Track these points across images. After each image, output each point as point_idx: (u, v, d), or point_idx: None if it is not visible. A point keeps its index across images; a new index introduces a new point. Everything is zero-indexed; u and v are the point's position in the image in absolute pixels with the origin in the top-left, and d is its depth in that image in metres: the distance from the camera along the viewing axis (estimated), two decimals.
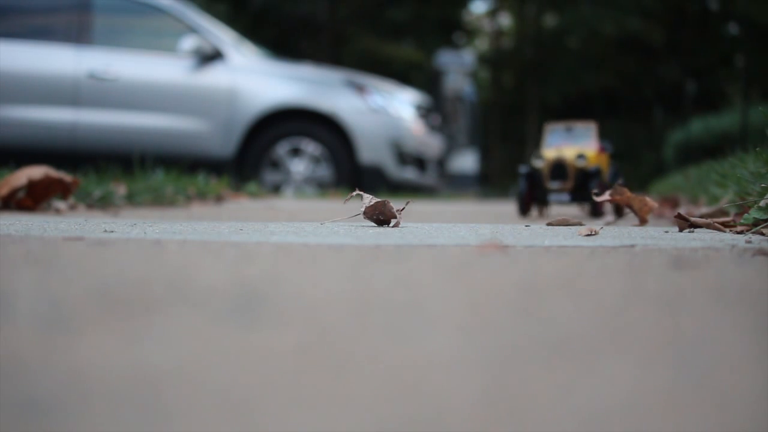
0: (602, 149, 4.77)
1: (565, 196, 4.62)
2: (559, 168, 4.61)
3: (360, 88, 9.17)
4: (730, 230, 2.56)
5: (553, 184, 4.59)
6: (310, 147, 9.02)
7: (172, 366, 0.77)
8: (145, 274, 1.37)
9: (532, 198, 4.68)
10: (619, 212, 4.43)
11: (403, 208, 2.76)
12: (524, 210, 4.68)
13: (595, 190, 4.34)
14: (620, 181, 4.49)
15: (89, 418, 0.63)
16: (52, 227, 2.45)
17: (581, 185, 4.62)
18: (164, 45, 8.99)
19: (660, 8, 27.47)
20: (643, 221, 3.24)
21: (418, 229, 2.54)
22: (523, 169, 4.73)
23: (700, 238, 2.28)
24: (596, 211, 4.48)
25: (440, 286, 1.30)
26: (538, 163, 4.67)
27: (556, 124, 4.86)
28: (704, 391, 0.71)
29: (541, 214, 4.88)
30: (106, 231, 2.31)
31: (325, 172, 9.07)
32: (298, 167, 9.05)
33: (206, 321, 0.97)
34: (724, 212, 3.36)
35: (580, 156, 4.61)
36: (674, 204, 5.25)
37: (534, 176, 4.68)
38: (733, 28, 27.91)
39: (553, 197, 4.61)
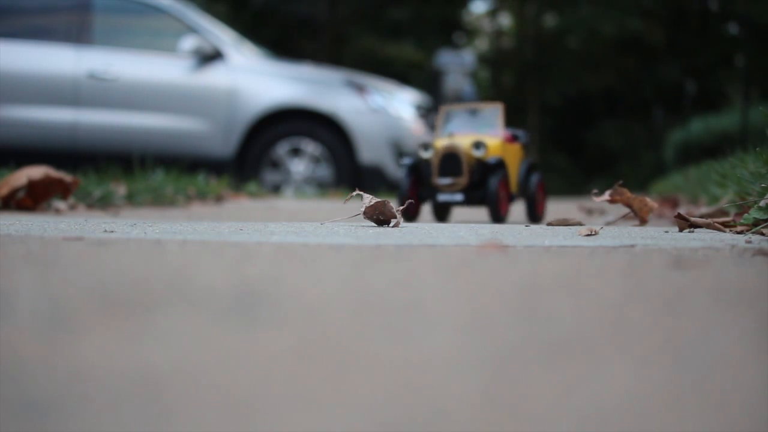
0: (511, 138, 3.93)
1: (458, 196, 3.74)
2: (450, 160, 3.73)
3: (360, 88, 9.17)
4: (730, 230, 2.56)
5: (443, 181, 3.72)
6: (310, 147, 9.02)
7: (172, 366, 0.77)
8: (145, 274, 1.37)
9: (418, 198, 3.82)
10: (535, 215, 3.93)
11: (403, 208, 2.76)
12: (409, 213, 3.75)
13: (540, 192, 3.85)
14: (536, 180, 3.94)
15: (89, 418, 0.63)
16: (52, 227, 2.45)
17: (479, 182, 3.75)
18: (164, 45, 8.99)
19: (660, 8, 27.47)
20: (643, 221, 3.24)
21: (418, 229, 2.54)
22: (406, 161, 3.83)
23: (700, 238, 2.28)
24: (497, 217, 3.68)
25: (440, 286, 1.30)
26: (425, 154, 3.79)
27: (456, 106, 4.00)
28: (704, 391, 0.71)
29: (439, 217, 4.05)
30: (106, 231, 2.31)
31: (325, 172, 9.07)
32: (298, 167, 9.05)
33: (206, 321, 0.97)
34: (724, 212, 3.36)
35: (478, 144, 3.73)
36: (674, 204, 5.25)
37: (421, 170, 3.81)
38: (733, 28, 27.91)
39: (442, 197, 3.75)
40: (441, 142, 3.79)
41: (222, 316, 1.00)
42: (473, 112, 3.98)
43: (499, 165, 3.74)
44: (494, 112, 3.95)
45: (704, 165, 7.34)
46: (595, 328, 0.98)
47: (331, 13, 24.80)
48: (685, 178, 8.21)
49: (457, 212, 5.01)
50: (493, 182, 3.71)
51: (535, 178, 3.97)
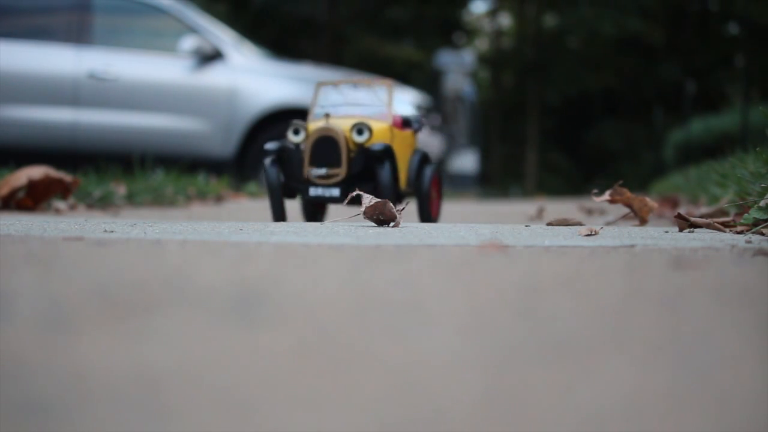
0: (401, 123, 3.30)
1: (334, 191, 3.12)
2: (325, 146, 3.11)
3: None
4: (730, 230, 2.56)
5: (316, 171, 3.11)
6: None
7: (172, 366, 0.77)
8: (145, 274, 1.37)
9: (286, 193, 3.22)
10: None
11: (403, 208, 2.76)
12: (278, 212, 3.19)
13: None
14: (430, 175, 3.28)
15: (89, 417, 0.63)
16: (52, 227, 2.45)
17: (360, 175, 3.13)
18: (164, 45, 8.99)
19: (660, 8, 27.46)
20: (643, 221, 3.24)
21: (418, 229, 2.54)
22: (270, 146, 3.19)
23: (700, 238, 2.28)
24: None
25: (440, 286, 1.30)
26: (295, 138, 3.17)
27: (335, 81, 3.34)
28: (704, 391, 0.71)
29: (310, 217, 3.43)
30: (106, 231, 2.31)
31: None
32: None
33: (206, 321, 0.97)
34: (724, 212, 3.36)
35: (360, 128, 3.13)
36: (674, 204, 5.24)
37: (290, 158, 3.18)
38: (733, 28, 27.91)
39: (314, 191, 3.13)
40: (315, 125, 3.16)
41: (222, 316, 1.00)
42: (356, 89, 3.30)
43: (386, 154, 3.10)
44: (382, 90, 3.30)
45: (704, 165, 7.33)
46: (595, 328, 0.97)
47: (331, 13, 24.79)
48: (685, 178, 8.20)
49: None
50: (384, 174, 3.10)
51: (428, 172, 3.31)
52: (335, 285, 1.29)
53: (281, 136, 8.97)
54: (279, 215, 3.21)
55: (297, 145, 3.19)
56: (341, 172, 3.11)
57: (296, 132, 3.18)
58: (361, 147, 3.14)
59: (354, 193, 2.73)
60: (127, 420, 0.62)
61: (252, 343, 0.86)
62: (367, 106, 3.28)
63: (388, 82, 3.35)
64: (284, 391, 0.70)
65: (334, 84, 3.34)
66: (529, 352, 0.84)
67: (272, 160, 3.18)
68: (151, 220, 3.27)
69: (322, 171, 3.12)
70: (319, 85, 3.33)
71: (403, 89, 10.36)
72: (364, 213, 2.66)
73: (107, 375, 0.73)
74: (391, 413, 0.64)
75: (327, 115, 3.18)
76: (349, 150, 3.13)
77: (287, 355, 0.82)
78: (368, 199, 2.66)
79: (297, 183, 3.19)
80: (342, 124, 3.15)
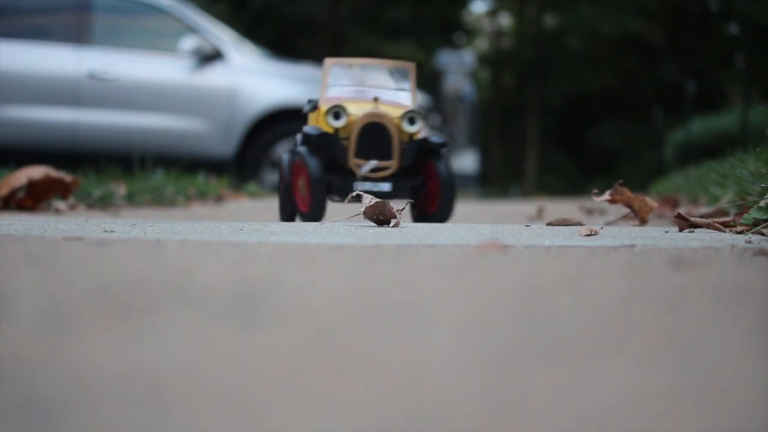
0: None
1: (384, 186, 2.87)
2: (374, 134, 2.83)
3: None
4: (730, 230, 2.56)
5: (369, 165, 2.83)
6: None
7: (172, 366, 0.77)
8: (145, 274, 1.37)
9: (330, 189, 2.89)
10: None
11: (403, 208, 2.76)
12: (320, 209, 2.83)
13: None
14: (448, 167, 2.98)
15: (89, 417, 0.63)
16: (52, 227, 2.45)
17: (409, 169, 2.92)
18: (164, 45, 8.99)
19: (660, 8, 27.47)
20: (643, 221, 3.24)
21: (418, 229, 2.54)
22: (311, 130, 2.82)
23: (700, 238, 2.28)
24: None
25: (440, 286, 1.30)
26: (336, 123, 2.83)
27: (348, 60, 3.00)
28: (704, 391, 0.71)
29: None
30: (106, 231, 2.31)
31: None
32: None
33: (206, 321, 0.97)
34: (724, 212, 3.36)
35: (412, 116, 2.88)
36: (674, 204, 5.24)
37: (326, 148, 2.83)
38: (733, 28, 27.91)
39: (361, 186, 2.85)
40: (357, 109, 2.83)
41: (222, 316, 1.00)
42: (370, 71, 2.99)
43: (445, 146, 2.93)
44: (403, 73, 3.01)
45: (704, 165, 7.33)
46: (595, 328, 0.97)
47: (331, 13, 24.79)
48: (685, 178, 8.20)
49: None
50: (444, 169, 2.90)
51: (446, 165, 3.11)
52: (335, 285, 1.29)
53: (281, 135, 8.97)
54: (319, 213, 2.86)
55: (336, 131, 2.83)
56: (393, 165, 2.85)
57: (337, 116, 2.82)
58: (411, 138, 2.89)
59: (354, 193, 2.72)
60: (127, 420, 0.62)
61: (252, 343, 0.86)
62: (383, 90, 2.98)
63: (409, 64, 3.07)
64: (284, 391, 0.70)
65: (348, 64, 3.02)
66: (529, 352, 0.84)
67: (311, 149, 2.80)
68: (151, 220, 3.27)
69: (374, 164, 2.81)
70: (330, 61, 2.98)
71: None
72: (364, 213, 2.66)
73: (107, 375, 0.73)
74: (391, 413, 0.64)
75: (376, 99, 2.88)
76: (401, 141, 2.87)
77: (287, 355, 0.82)
78: (368, 199, 2.66)
79: (335, 176, 2.85)
80: (390, 111, 2.87)
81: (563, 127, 29.35)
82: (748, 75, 14.08)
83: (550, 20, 30.02)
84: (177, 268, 1.48)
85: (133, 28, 9.18)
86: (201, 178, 7.16)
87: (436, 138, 2.90)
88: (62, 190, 4.37)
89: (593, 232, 2.35)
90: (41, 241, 1.96)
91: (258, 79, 8.94)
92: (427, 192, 3.01)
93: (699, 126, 16.70)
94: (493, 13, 31.85)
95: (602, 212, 5.19)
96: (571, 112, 29.01)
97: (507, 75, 31.17)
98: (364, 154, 2.82)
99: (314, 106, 2.97)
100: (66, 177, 4.36)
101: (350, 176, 2.86)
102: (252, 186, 8.07)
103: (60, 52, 8.76)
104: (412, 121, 2.87)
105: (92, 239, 2.02)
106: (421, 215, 3.07)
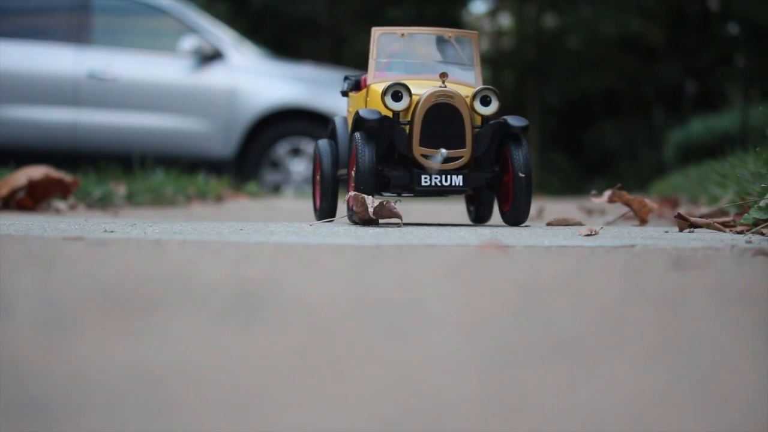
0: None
1: (457, 179, 2.46)
2: (442, 118, 2.41)
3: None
4: (730, 230, 2.56)
5: (439, 157, 2.41)
6: (310, 147, 9.02)
7: (172, 366, 0.77)
8: (145, 274, 1.37)
9: (381, 184, 2.51)
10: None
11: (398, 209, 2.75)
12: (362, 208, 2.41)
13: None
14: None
15: (89, 417, 0.63)
16: (52, 227, 2.45)
17: (483, 158, 2.51)
18: (164, 45, 8.99)
19: (660, 8, 27.46)
20: (642, 221, 3.24)
21: (418, 229, 2.54)
22: (368, 114, 2.41)
23: (700, 238, 2.28)
24: (525, 212, 2.37)
25: (440, 286, 1.30)
26: (396, 105, 2.42)
27: (400, 29, 2.65)
28: (704, 391, 0.71)
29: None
30: (106, 231, 2.31)
31: None
32: (298, 167, 9.05)
33: (206, 321, 0.97)
34: (724, 212, 3.36)
35: (486, 95, 2.45)
36: (674, 204, 5.24)
37: (383, 134, 2.43)
38: (733, 28, 27.90)
39: (426, 180, 2.45)
40: (417, 87, 2.43)
41: (222, 316, 1.00)
42: (426, 42, 2.58)
43: (526, 129, 2.47)
44: (467, 44, 2.63)
45: (704, 165, 7.33)
46: (595, 328, 0.97)
47: (331, 13, 24.79)
48: (685, 178, 8.20)
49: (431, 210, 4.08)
50: (523, 157, 2.43)
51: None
52: (335, 285, 1.29)
53: (282, 135, 8.97)
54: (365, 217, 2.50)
55: (396, 115, 2.43)
56: (465, 153, 2.43)
57: (397, 97, 2.41)
58: (485, 121, 2.47)
59: (353, 193, 2.70)
60: (127, 420, 0.62)
61: (252, 343, 0.86)
62: (444, 65, 2.61)
63: (472, 33, 2.71)
64: (284, 391, 0.70)
65: (399, 33, 2.67)
66: (528, 351, 0.84)
67: (368, 135, 2.37)
68: (151, 220, 3.27)
69: (445, 153, 2.38)
70: (377, 31, 2.65)
71: None
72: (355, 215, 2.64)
73: (107, 375, 0.73)
74: (391, 413, 0.64)
75: (444, 75, 2.45)
76: (473, 125, 2.45)
77: (287, 355, 0.82)
78: (368, 200, 2.65)
79: (394, 168, 2.46)
80: (461, 90, 2.46)
81: (563, 127, 29.33)
82: (748, 75, 14.08)
83: (550, 20, 30.02)
84: (177, 268, 1.48)
85: (132, 28, 9.18)
86: (201, 178, 7.16)
87: (516, 120, 2.45)
88: (62, 190, 4.37)
89: (593, 232, 2.35)
90: (41, 241, 1.96)
91: (258, 79, 8.94)
92: (503, 187, 2.58)
93: (699, 126, 16.70)
94: (493, 13, 31.85)
95: (602, 212, 5.19)
96: (571, 112, 29.00)
97: (507, 75, 31.18)
98: (430, 141, 2.42)
99: (355, 83, 2.66)
100: (66, 177, 4.36)
101: (417, 168, 2.45)
102: (252, 186, 8.07)
103: (60, 52, 8.76)
104: (486, 101, 2.46)
105: (92, 239, 2.02)
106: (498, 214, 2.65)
